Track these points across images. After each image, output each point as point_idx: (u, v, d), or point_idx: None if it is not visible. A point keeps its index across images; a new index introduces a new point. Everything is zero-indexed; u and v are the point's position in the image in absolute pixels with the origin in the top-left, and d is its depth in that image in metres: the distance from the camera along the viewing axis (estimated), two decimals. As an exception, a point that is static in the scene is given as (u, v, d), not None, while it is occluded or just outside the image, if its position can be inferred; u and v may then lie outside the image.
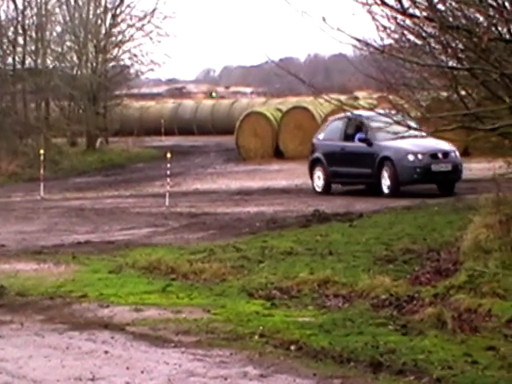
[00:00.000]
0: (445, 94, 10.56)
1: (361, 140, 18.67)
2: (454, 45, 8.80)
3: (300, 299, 8.83)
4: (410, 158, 17.80)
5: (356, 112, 16.75)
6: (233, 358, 6.86)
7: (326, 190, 19.18)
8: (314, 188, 19.49)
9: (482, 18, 8.32)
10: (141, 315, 8.43)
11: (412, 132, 14.44)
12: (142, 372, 6.55)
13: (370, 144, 18.45)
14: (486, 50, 8.00)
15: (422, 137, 17.03)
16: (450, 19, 8.33)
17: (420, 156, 17.81)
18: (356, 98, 35.35)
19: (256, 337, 7.41)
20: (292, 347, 7.08)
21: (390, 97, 11.78)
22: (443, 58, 9.33)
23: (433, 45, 9.15)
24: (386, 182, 17.95)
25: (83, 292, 9.51)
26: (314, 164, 19.61)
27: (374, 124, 17.46)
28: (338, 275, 9.51)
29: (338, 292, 8.96)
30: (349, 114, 17.55)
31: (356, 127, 19.17)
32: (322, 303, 8.65)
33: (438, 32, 8.75)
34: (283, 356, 6.88)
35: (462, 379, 6.10)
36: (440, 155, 18.01)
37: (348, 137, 19.15)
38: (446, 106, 10.42)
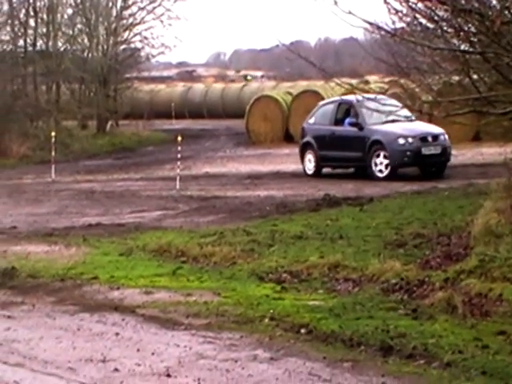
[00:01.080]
0: (456, 78, 10.50)
1: (351, 124, 19.01)
2: (466, 28, 8.75)
3: (310, 283, 8.83)
4: (401, 141, 18.10)
5: (345, 97, 16.96)
6: (243, 341, 6.88)
7: (317, 174, 19.66)
8: (305, 171, 19.94)
9: (494, 1, 8.27)
10: (151, 298, 8.46)
11: (401, 116, 14.77)
12: (153, 354, 6.58)
13: (360, 128, 18.73)
14: (499, 34, 7.95)
15: (411, 121, 17.56)
16: (463, 2, 8.28)
17: (410, 139, 18.10)
18: (367, 82, 35.20)
19: (266, 320, 7.43)
20: (302, 331, 7.09)
21: (401, 81, 11.74)
22: (455, 41, 9.27)
23: (445, 28, 9.09)
24: (377, 166, 18.28)
25: (94, 274, 9.55)
26: (304, 148, 20.08)
27: (363, 108, 17.72)
28: (348, 259, 9.51)
29: (348, 276, 8.96)
30: (338, 98, 17.85)
31: (346, 111, 19.53)
32: (332, 287, 8.66)
33: (450, 15, 8.69)
34: (293, 339, 6.89)
35: (472, 364, 6.10)
36: (430, 138, 18.32)
37: (338, 121, 19.54)
38: (457, 90, 10.37)
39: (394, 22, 9.21)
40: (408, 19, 9.34)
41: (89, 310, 8.02)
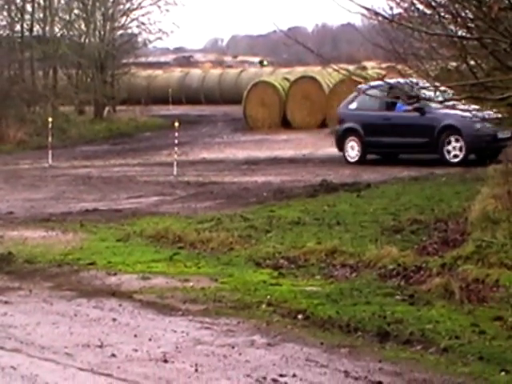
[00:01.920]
0: (454, 64, 10.48)
1: (414, 109, 17.99)
2: (463, 14, 8.72)
3: (307, 269, 8.84)
4: (478, 125, 17.29)
5: (395, 80, 16.25)
6: (240, 327, 6.89)
7: (361, 161, 18.97)
8: (345, 158, 19.23)
9: (493, -13, 8.23)
10: (148, 283, 8.46)
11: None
12: (150, 340, 6.59)
13: (423, 113, 18.10)
14: (496, 20, 7.92)
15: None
16: (461, -12, 8.25)
17: (487, 124, 17.72)
18: (364, 68, 35.16)
19: (263, 306, 7.44)
20: (299, 316, 7.10)
21: (399, 67, 11.71)
22: (452, 27, 9.24)
23: (442, 14, 9.06)
24: (451, 152, 17.84)
25: (91, 260, 9.56)
26: (345, 134, 19.28)
27: (424, 93, 17.11)
28: (346, 245, 9.52)
29: (346, 262, 8.97)
30: (385, 82, 17.01)
31: (397, 96, 18.77)
32: (330, 273, 8.67)
33: (447, 1, 8.66)
34: (290, 325, 6.90)
35: (469, 349, 6.11)
36: None
37: (389, 106, 18.80)
38: (454, 76, 10.35)
39: (391, 8, 9.18)
40: (405, 5, 9.31)
41: (86, 296, 8.03)
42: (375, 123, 18.95)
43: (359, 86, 19.52)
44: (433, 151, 18.08)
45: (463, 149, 17.79)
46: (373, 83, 19.72)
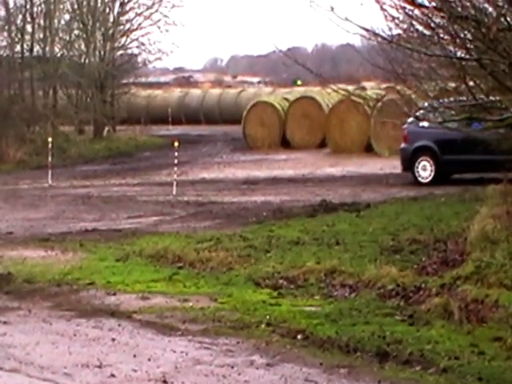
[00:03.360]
0: (453, 84, 10.54)
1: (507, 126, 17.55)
2: (462, 35, 8.77)
3: (306, 288, 8.84)
4: None
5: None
6: (239, 347, 6.89)
7: (435, 181, 17.89)
8: (416, 179, 18.13)
9: (490, 9, 8.29)
10: (147, 303, 8.46)
11: None
12: (149, 359, 6.58)
13: None
14: (495, 41, 7.97)
15: None
16: (459, 9, 8.30)
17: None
18: (363, 88, 35.29)
19: (263, 326, 7.43)
20: (299, 336, 7.10)
21: (398, 87, 11.76)
22: (451, 48, 9.30)
23: (441, 35, 9.12)
24: None
25: (90, 279, 9.55)
26: (415, 154, 18.18)
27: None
28: (345, 265, 9.52)
29: (345, 282, 8.97)
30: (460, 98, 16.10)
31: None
32: (329, 293, 8.66)
33: (446, 22, 8.72)
34: (290, 345, 6.90)
35: (468, 369, 6.11)
36: None
37: (466, 123, 18.29)
38: (453, 96, 10.40)
39: (390, 29, 9.24)
40: (404, 26, 9.37)
41: (85, 316, 8.02)
42: (454, 141, 17.43)
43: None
44: None
45: None
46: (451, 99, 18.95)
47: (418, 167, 18.30)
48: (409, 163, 18.38)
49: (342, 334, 7.02)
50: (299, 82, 40.92)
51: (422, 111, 15.13)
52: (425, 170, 18.31)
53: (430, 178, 18.15)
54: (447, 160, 17.87)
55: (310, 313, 7.81)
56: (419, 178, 18.28)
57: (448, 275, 8.47)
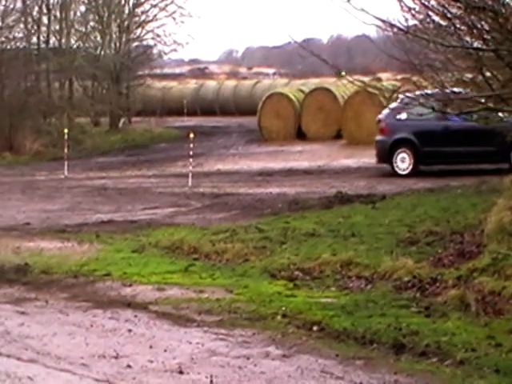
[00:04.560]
0: (469, 75, 10.47)
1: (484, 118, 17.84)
2: (479, 26, 8.72)
3: (322, 280, 8.83)
4: None
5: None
6: (255, 338, 6.89)
7: (413, 173, 18.20)
8: (394, 171, 18.43)
9: (508, -1, 8.23)
10: (163, 294, 8.48)
11: None
12: (165, 351, 6.60)
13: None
14: (513, 31, 7.92)
15: None
16: (476, 0, 8.25)
17: None
18: (379, 80, 35.15)
19: (278, 317, 7.44)
20: (314, 328, 7.09)
21: (414, 78, 11.70)
22: (468, 39, 9.24)
23: (458, 26, 9.06)
24: None
25: (106, 271, 9.58)
26: (394, 146, 18.47)
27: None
28: (361, 257, 9.50)
29: (361, 273, 8.95)
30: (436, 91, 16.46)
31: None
32: (345, 284, 8.65)
33: (463, 13, 8.66)
34: (305, 336, 6.89)
35: (485, 361, 6.08)
36: None
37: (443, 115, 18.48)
38: (470, 87, 10.34)
39: (406, 20, 9.19)
40: (421, 16, 9.32)
41: (101, 307, 8.05)
42: (433, 133, 18.13)
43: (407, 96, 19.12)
44: (501, 160, 17.56)
45: None
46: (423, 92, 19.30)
47: (396, 159, 18.56)
48: (387, 155, 18.60)
49: (358, 326, 7.01)
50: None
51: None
52: (403, 161, 18.52)
53: (408, 170, 18.45)
54: (427, 152, 18.19)
55: (325, 304, 7.80)
56: (397, 170, 18.53)
57: (465, 267, 8.45)
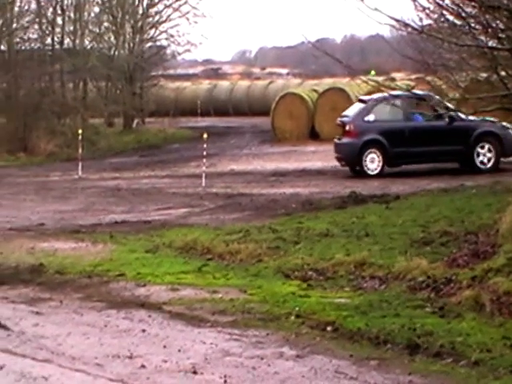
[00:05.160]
0: (484, 74, 10.43)
1: (448, 117, 18.36)
2: (494, 25, 8.68)
3: (336, 280, 8.82)
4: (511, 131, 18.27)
5: (412, 91, 16.58)
6: (269, 339, 6.89)
7: (381, 173, 18.64)
8: (364, 172, 18.72)
9: (523, -2, 8.19)
10: (177, 295, 8.48)
11: None
12: (179, 351, 6.61)
13: (452, 121, 18.40)
14: (528, 30, 7.88)
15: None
16: (491, -1, 8.21)
17: None
18: (393, 80, 35.05)
19: (292, 317, 7.43)
20: (328, 328, 7.08)
21: (428, 78, 11.67)
22: (483, 38, 9.21)
23: (472, 25, 9.03)
24: (480, 158, 18.30)
25: (120, 271, 9.60)
26: (364, 147, 18.70)
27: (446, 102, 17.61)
28: (375, 257, 9.48)
29: (375, 274, 8.93)
30: (403, 92, 17.26)
31: (414, 106, 18.87)
32: (358, 285, 8.63)
33: (477, 12, 8.63)
34: (319, 337, 6.88)
35: (500, 362, 6.05)
36: None
37: (410, 116, 18.89)
38: (484, 86, 10.30)
39: (420, 19, 9.18)
40: (435, 16, 9.29)
41: (115, 307, 8.07)
42: (401, 133, 18.67)
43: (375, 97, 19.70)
44: (470, 159, 18.30)
45: (494, 156, 18.24)
46: (389, 93, 20.13)
47: (366, 160, 18.80)
48: (357, 157, 18.75)
49: (372, 326, 6.99)
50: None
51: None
52: (373, 162, 18.76)
53: (377, 170, 18.77)
54: (396, 152, 18.57)
55: (339, 305, 7.79)
56: (368, 171, 18.73)
57: (479, 267, 8.40)
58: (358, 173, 18.89)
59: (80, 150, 21.74)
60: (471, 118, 17.83)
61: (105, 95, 34.91)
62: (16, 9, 30.93)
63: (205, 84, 47.64)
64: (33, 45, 32.06)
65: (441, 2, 8.87)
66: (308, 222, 12.15)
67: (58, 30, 32.67)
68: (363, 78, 11.75)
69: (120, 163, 25.15)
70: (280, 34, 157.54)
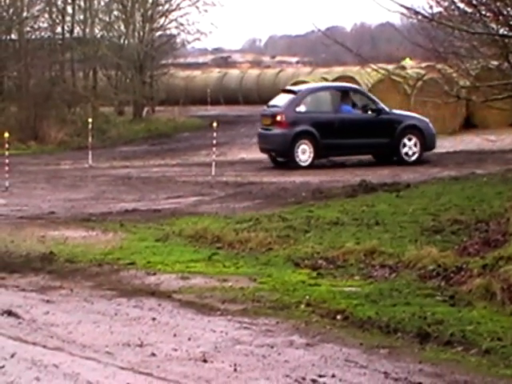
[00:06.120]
0: (495, 62, 10.38)
1: (371, 110, 19.11)
2: (505, 12, 8.63)
3: (346, 269, 8.81)
4: (431, 125, 19.32)
5: (337, 83, 17.07)
6: (279, 327, 6.89)
7: (311, 164, 18.74)
8: (295, 163, 18.65)
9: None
10: (187, 283, 8.49)
11: None
12: (189, 339, 6.61)
13: (379, 114, 18.99)
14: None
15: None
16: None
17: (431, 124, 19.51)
18: (403, 68, 34.90)
19: (302, 306, 7.43)
20: (338, 317, 7.08)
21: (439, 66, 11.62)
22: (494, 25, 9.16)
23: (483, 12, 8.98)
24: (407, 150, 18.93)
25: (131, 259, 9.62)
26: (295, 138, 18.66)
27: (371, 95, 19.12)
28: (385, 245, 9.46)
29: (385, 262, 8.92)
30: (329, 84, 17.61)
31: (342, 98, 19.34)
32: (369, 273, 8.62)
33: (489, -1, 8.58)
34: (329, 325, 6.88)
35: (511, 351, 6.03)
36: None
37: (338, 108, 19.20)
38: (495, 74, 10.26)
39: (431, 7, 9.15)
40: (446, 3, 9.25)
41: (126, 295, 8.08)
42: (331, 125, 18.85)
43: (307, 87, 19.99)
44: (396, 151, 18.95)
45: (418, 148, 18.97)
46: (316, 85, 20.82)
47: (297, 151, 18.81)
48: (289, 148, 18.69)
49: (382, 315, 6.98)
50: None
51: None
52: (304, 153, 18.87)
53: (308, 162, 18.85)
54: (326, 143, 18.73)
55: (349, 293, 7.78)
56: (300, 163, 18.74)
57: (490, 256, 8.37)
58: (282, 164, 18.90)
59: (90, 139, 21.76)
60: (395, 111, 19.36)
61: (115, 84, 34.92)
62: (26, -2, 30.94)
63: (215, 73, 47.60)
64: (43, 34, 32.09)
65: (452, -11, 8.82)
66: (318, 211, 12.13)
67: (68, 18, 32.70)
68: (373, 65, 11.70)
69: (130, 152, 25.17)
70: (290, 23, 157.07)
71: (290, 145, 18.72)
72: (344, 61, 43.35)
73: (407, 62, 40.28)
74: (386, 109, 19.27)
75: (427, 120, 19.59)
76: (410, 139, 18.88)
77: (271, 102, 20.41)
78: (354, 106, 19.37)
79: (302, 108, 19.27)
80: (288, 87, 21.89)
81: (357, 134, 18.76)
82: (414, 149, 18.91)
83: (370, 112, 19.10)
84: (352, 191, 14.11)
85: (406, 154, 18.90)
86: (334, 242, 9.84)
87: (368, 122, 18.99)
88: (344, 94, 19.50)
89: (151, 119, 34.39)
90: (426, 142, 19.05)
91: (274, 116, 19.16)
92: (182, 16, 36.00)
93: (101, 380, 5.74)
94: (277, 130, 18.91)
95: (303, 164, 18.77)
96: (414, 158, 18.92)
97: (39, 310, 7.61)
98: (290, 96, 19.63)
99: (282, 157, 19.31)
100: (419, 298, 7.52)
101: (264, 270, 8.92)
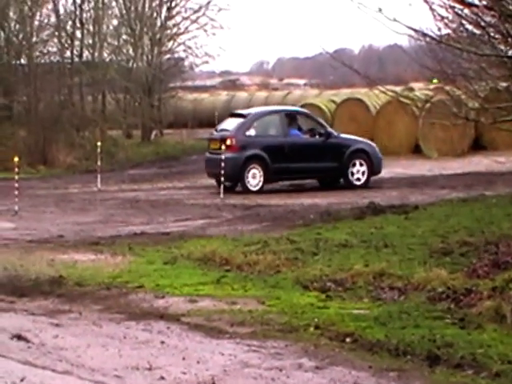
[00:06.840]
0: (503, 84, 10.39)
1: (319, 134, 19.29)
2: (513, 34, 8.64)
3: (355, 291, 8.78)
4: (378, 149, 19.75)
5: (285, 107, 17.22)
6: (288, 350, 6.86)
7: (262, 189, 18.74)
8: (245, 188, 18.63)
9: (542, 7, 8.16)
10: (196, 306, 8.48)
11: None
12: (198, 362, 6.59)
13: (328, 137, 19.16)
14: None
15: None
16: (510, 7, 8.18)
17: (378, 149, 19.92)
18: (411, 89, 34.95)
19: (311, 329, 7.40)
20: (347, 339, 7.05)
21: (447, 87, 11.63)
22: (502, 47, 9.17)
23: (492, 34, 9.00)
24: (355, 175, 19.22)
25: (139, 283, 9.61)
26: (246, 163, 18.65)
27: (319, 119, 19.60)
28: (394, 268, 9.43)
29: (394, 284, 8.88)
30: (278, 108, 17.72)
31: (291, 122, 19.38)
32: (377, 295, 8.59)
33: (497, 21, 8.60)
34: (338, 348, 6.85)
35: (521, 374, 6.00)
36: None
37: (287, 132, 19.23)
38: (504, 96, 10.26)
39: (439, 29, 9.16)
40: (454, 25, 9.27)
41: (135, 318, 8.07)
42: (281, 149, 18.89)
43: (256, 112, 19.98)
44: (344, 175, 19.20)
45: (366, 173, 19.24)
46: (266, 109, 21.04)
47: (248, 176, 18.77)
48: (239, 172, 18.62)
49: (392, 337, 6.95)
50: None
51: None
52: (254, 177, 18.85)
53: (258, 186, 18.84)
54: (276, 168, 18.79)
55: (358, 316, 7.75)
56: (250, 187, 18.76)
57: (500, 278, 8.34)
58: (229, 189, 18.57)
59: (99, 162, 21.83)
60: (343, 135, 19.66)
61: (123, 107, 35.09)
62: (36, 22, 31.22)
63: (223, 95, 47.72)
64: (52, 58, 32.33)
65: (460, 12, 8.85)
66: (326, 233, 12.12)
67: (77, 43, 32.93)
68: (381, 87, 11.72)
69: (138, 175, 25.23)
70: (298, 45, 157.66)
71: (241, 169, 18.64)
72: (352, 83, 43.42)
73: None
74: (335, 133, 19.50)
75: (374, 144, 19.98)
76: (358, 164, 19.14)
77: (220, 126, 20.37)
78: (300, 129, 19.42)
79: (251, 132, 19.20)
80: (237, 111, 21.80)
81: (306, 158, 18.90)
82: (362, 173, 19.16)
83: (317, 136, 19.22)
84: (360, 213, 14.09)
85: (355, 177, 19.13)
86: (342, 265, 9.81)
87: (317, 146, 19.11)
88: (292, 117, 19.52)
89: (159, 142, 34.50)
90: (374, 166, 19.33)
91: (223, 140, 18.83)
92: (190, 39, 36.28)
93: (109, 404, 5.73)
94: (227, 154, 18.25)
95: (253, 189, 18.66)
96: (361, 181, 19.15)
97: (48, 333, 7.60)
98: (240, 120, 19.55)
99: (231, 181, 18.97)
100: (428, 320, 7.48)
101: (272, 292, 8.90)
